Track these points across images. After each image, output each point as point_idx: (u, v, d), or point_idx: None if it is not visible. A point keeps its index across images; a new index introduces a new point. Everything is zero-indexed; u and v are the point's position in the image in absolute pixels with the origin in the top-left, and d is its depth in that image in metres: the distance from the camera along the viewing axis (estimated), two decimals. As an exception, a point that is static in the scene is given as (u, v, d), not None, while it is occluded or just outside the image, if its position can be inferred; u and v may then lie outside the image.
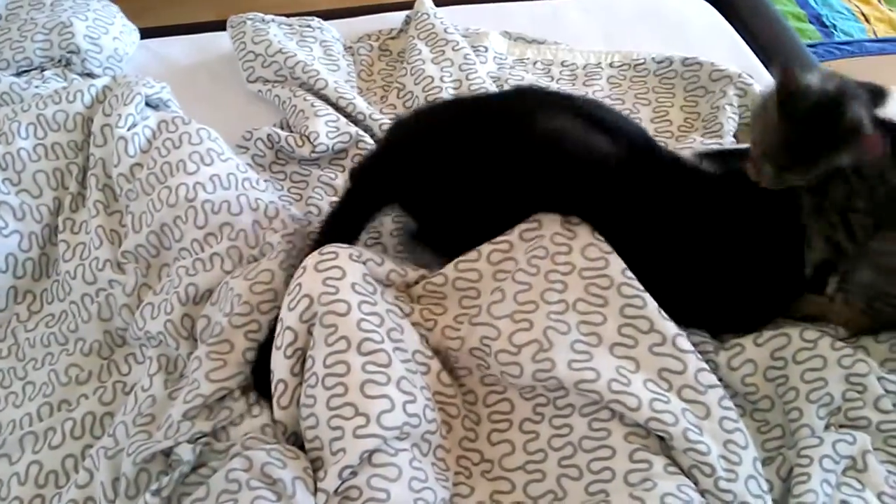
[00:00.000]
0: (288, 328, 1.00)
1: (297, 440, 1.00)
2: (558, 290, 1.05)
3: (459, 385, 1.09)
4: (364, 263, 1.05)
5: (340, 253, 1.03)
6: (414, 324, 1.09)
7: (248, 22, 1.58)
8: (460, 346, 1.08)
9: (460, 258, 1.11)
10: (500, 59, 1.66)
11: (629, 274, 1.06)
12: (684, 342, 1.03)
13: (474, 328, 1.07)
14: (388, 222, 1.28)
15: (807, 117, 1.01)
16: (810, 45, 2.76)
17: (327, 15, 1.73)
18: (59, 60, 1.53)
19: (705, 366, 1.03)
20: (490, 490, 1.00)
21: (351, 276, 1.01)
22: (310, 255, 1.04)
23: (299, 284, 1.01)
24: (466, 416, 1.06)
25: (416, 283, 1.12)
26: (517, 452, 1.02)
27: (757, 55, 1.69)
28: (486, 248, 1.10)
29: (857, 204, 1.06)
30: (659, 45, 1.66)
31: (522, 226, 1.11)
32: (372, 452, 0.92)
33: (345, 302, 0.98)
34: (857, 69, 2.63)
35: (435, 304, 1.11)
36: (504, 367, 1.03)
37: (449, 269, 1.11)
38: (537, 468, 1.00)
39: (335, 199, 1.34)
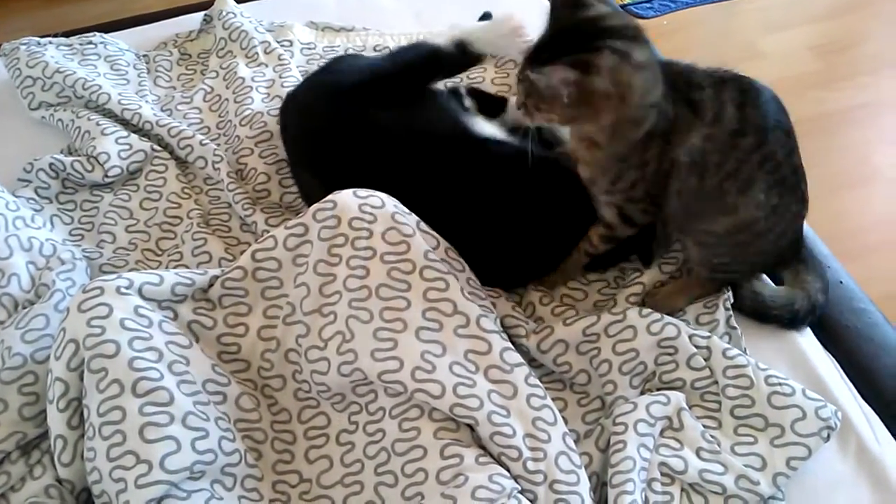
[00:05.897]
0: (57, 379, 0.92)
1: (89, 497, 0.92)
2: (360, 276, 1.01)
3: (270, 405, 1.03)
4: (138, 292, 0.97)
5: (106, 288, 0.94)
6: (221, 335, 1.03)
7: (22, 47, 1.47)
8: (277, 347, 1.03)
9: (256, 246, 1.05)
10: (309, 48, 1.60)
11: (432, 256, 1.03)
12: (488, 322, 1.01)
13: (289, 328, 1.03)
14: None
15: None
16: (646, 1, 2.82)
17: (117, 26, 1.61)
18: None
19: (510, 345, 1.01)
20: (309, 511, 0.95)
21: (119, 312, 0.93)
22: (75, 295, 0.96)
23: (63, 329, 0.93)
24: (277, 438, 1.00)
25: (212, 285, 1.05)
26: (335, 467, 0.98)
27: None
28: (280, 233, 1.05)
29: (638, 194, 1.05)
30: (470, 17, 1.62)
31: (316, 206, 1.05)
32: (160, 500, 0.86)
33: (112, 342, 0.90)
34: (695, 18, 2.71)
35: (238, 303, 1.05)
36: (313, 364, 0.99)
37: (245, 260, 1.05)
38: (355, 480, 0.96)
39: (130, 221, 1.26)
